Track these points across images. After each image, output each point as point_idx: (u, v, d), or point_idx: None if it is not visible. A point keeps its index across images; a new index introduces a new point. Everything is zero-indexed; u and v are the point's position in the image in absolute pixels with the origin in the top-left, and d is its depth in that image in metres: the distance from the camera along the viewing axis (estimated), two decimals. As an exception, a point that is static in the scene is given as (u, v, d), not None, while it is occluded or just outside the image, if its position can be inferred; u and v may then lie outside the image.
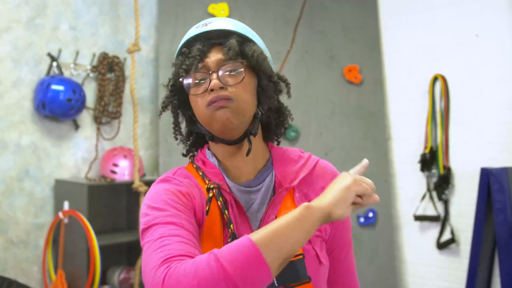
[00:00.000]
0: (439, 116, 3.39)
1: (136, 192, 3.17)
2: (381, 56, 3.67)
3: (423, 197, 3.44)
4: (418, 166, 3.43)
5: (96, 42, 3.45)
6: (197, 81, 1.13)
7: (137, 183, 3.13)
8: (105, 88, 3.40)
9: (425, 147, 3.42)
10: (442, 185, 3.32)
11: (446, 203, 3.35)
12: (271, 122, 1.23)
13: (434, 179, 3.39)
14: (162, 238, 0.96)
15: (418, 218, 3.44)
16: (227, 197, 1.12)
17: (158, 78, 3.63)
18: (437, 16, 3.43)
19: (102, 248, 2.89)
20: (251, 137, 1.15)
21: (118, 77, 3.45)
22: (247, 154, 1.15)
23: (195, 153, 1.27)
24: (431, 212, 3.42)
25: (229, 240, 1.06)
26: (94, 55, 3.41)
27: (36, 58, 3.17)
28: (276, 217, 1.11)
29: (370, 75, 3.62)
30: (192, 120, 1.22)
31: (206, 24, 1.16)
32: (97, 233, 2.89)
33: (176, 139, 1.28)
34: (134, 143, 3.20)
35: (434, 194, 3.39)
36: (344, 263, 1.25)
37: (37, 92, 3.08)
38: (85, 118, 3.40)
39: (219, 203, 1.09)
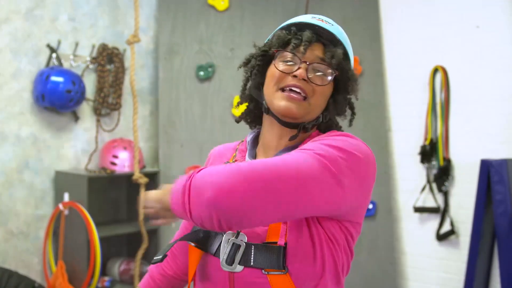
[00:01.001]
0: (439, 107, 3.38)
1: (136, 183, 3.17)
2: (381, 47, 3.66)
3: (423, 188, 3.44)
4: (418, 157, 3.43)
5: (95, 33, 3.44)
6: (287, 60, 1.15)
7: (137, 175, 3.13)
8: (105, 80, 3.39)
9: (425, 139, 3.41)
10: (442, 176, 3.32)
11: (446, 194, 3.35)
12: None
13: (434, 171, 3.39)
14: None
15: (418, 209, 3.44)
16: None
17: (157, 69, 3.62)
18: (437, 7, 3.42)
19: (102, 240, 2.89)
20: None
21: (118, 68, 3.44)
22: (291, 139, 1.17)
23: (248, 121, 1.32)
24: (431, 203, 3.42)
25: None
26: (93, 46, 3.40)
27: (35, 50, 3.16)
28: None
29: (370, 67, 3.61)
30: (258, 87, 1.23)
31: (323, 20, 1.19)
32: (97, 224, 2.89)
33: (241, 101, 1.30)
34: (134, 134, 3.19)
35: (434, 185, 3.40)
36: None
37: (37, 83, 3.07)
38: (85, 109, 3.39)
39: None
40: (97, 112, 3.38)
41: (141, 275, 3.23)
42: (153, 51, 3.74)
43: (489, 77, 3.19)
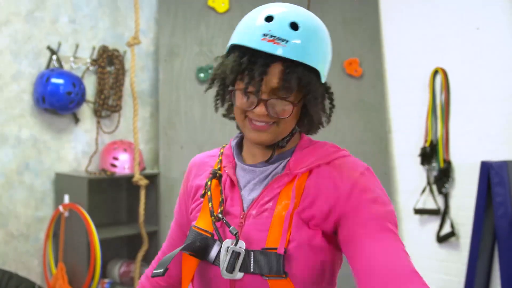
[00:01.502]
0: (440, 109, 3.38)
1: (136, 185, 3.17)
2: (381, 49, 3.66)
3: (423, 190, 3.44)
4: (418, 159, 3.43)
5: (95, 35, 3.44)
6: (245, 89, 1.07)
7: (137, 177, 3.13)
8: (105, 82, 3.39)
9: (425, 140, 3.41)
10: (442, 178, 3.32)
11: (446, 196, 3.35)
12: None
13: (434, 173, 3.39)
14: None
15: (418, 211, 3.44)
16: (224, 176, 1.19)
17: (158, 71, 3.62)
18: (437, 9, 3.42)
19: (102, 242, 2.89)
20: None
21: (118, 70, 3.44)
22: (267, 161, 1.16)
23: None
24: (431, 205, 3.42)
25: (211, 217, 1.13)
26: (93, 48, 3.40)
27: (35, 51, 3.16)
28: (275, 207, 1.09)
29: (371, 68, 3.62)
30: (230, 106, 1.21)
31: (274, 40, 1.03)
32: (98, 226, 2.89)
33: (217, 109, 1.25)
34: (134, 136, 3.20)
35: (434, 187, 3.39)
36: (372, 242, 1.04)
37: (37, 85, 3.07)
38: (85, 111, 3.39)
39: (207, 184, 1.18)
40: (97, 114, 3.38)
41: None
42: (153, 53, 3.75)
43: (489, 78, 3.19)
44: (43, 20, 3.19)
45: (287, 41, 1.03)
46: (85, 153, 3.39)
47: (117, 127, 3.50)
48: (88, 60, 3.37)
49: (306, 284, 1.07)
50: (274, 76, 1.04)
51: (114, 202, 3.57)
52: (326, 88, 1.14)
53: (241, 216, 1.12)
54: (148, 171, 3.51)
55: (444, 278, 3.36)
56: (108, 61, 3.44)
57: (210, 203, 1.14)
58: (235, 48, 1.09)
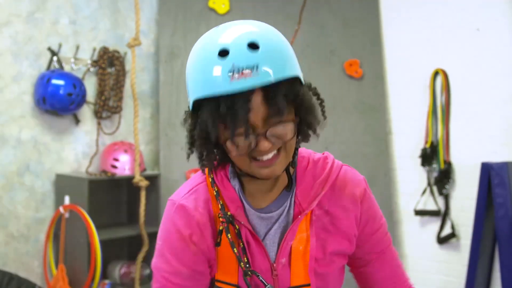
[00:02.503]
0: (440, 110, 3.38)
1: (137, 186, 3.17)
2: (381, 50, 3.66)
3: (424, 191, 3.44)
4: (419, 160, 3.43)
5: (96, 36, 3.44)
6: (233, 135, 0.95)
7: (137, 178, 3.13)
8: (106, 83, 3.39)
9: (426, 142, 3.41)
10: (442, 179, 3.32)
11: (446, 197, 3.35)
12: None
13: (435, 174, 3.39)
14: None
15: (419, 212, 3.44)
16: (242, 230, 1.08)
17: (158, 72, 3.63)
18: (437, 10, 3.42)
19: (102, 243, 2.89)
20: None
21: (119, 71, 3.44)
22: (287, 189, 1.11)
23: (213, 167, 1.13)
24: (431, 206, 3.42)
25: (244, 276, 1.06)
26: (94, 49, 3.41)
27: (36, 53, 3.16)
28: (291, 244, 1.09)
29: (371, 70, 3.62)
30: (224, 154, 1.06)
31: (243, 73, 0.91)
32: (98, 227, 2.89)
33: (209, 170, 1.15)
34: (135, 137, 3.19)
35: (435, 188, 3.39)
36: (380, 262, 1.23)
37: (38, 86, 3.07)
38: (86, 112, 3.39)
39: (228, 239, 1.06)
40: (97, 115, 3.38)
41: (142, 278, 3.22)
42: (153, 54, 3.75)
43: (489, 80, 3.19)
44: (43, 21, 3.20)
45: (256, 67, 0.91)
46: (86, 154, 3.39)
47: (117, 128, 3.50)
48: (89, 61, 3.37)
49: None
50: (259, 107, 0.94)
51: (115, 203, 3.57)
52: (309, 88, 1.05)
53: (273, 269, 1.09)
54: (149, 172, 3.51)
55: (445, 279, 3.35)
56: (109, 62, 3.44)
57: (241, 262, 1.06)
58: (201, 101, 0.97)
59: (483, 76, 3.22)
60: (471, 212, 3.10)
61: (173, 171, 3.43)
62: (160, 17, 3.61)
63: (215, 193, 1.10)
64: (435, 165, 3.39)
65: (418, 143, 3.47)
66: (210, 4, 3.57)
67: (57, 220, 3.09)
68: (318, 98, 1.07)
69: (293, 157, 1.07)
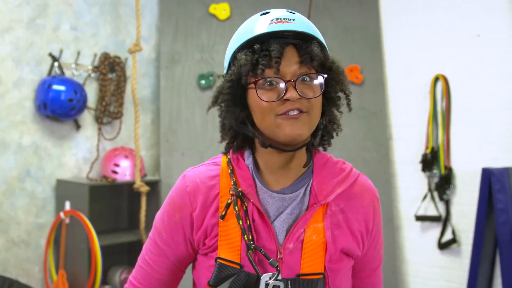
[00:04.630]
0: (441, 116, 3.39)
1: (137, 192, 3.17)
2: (382, 56, 3.67)
3: (424, 197, 3.44)
4: (419, 166, 3.43)
5: (97, 42, 3.45)
6: (267, 85, 1.03)
7: (138, 183, 3.13)
8: (106, 88, 3.40)
9: (426, 147, 3.41)
10: (443, 185, 3.32)
11: (447, 203, 3.35)
12: (322, 129, 1.15)
13: (435, 179, 3.39)
14: (141, 259, 1.20)
15: (419, 218, 3.43)
16: (250, 208, 1.09)
17: (159, 78, 3.63)
18: (438, 16, 3.43)
19: (103, 248, 2.89)
20: None
21: (119, 77, 3.45)
22: (305, 166, 1.12)
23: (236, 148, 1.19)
24: (432, 212, 3.42)
25: (247, 251, 1.06)
26: (95, 55, 3.41)
27: (37, 58, 3.17)
28: (304, 232, 1.09)
29: (371, 75, 3.62)
30: (243, 121, 1.11)
31: (281, 20, 1.03)
32: (98, 233, 2.89)
33: (224, 139, 1.20)
34: (135, 143, 3.20)
35: (435, 194, 3.39)
36: (370, 279, 1.27)
37: (39, 92, 3.08)
38: (86, 118, 3.40)
39: (235, 211, 1.07)
40: (98, 120, 3.39)
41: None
42: (154, 60, 3.76)
43: (490, 86, 3.20)
44: (44, 27, 3.21)
45: (293, 19, 1.04)
46: (86, 160, 3.39)
47: (118, 133, 3.50)
48: (90, 67, 3.38)
49: None
50: (291, 57, 1.03)
51: (115, 209, 3.57)
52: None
53: (279, 252, 1.08)
54: (149, 177, 3.51)
55: (446, 285, 3.35)
56: (110, 68, 3.45)
57: (244, 235, 1.06)
58: (236, 53, 1.07)
59: (484, 82, 3.22)
60: (472, 217, 3.10)
61: (174, 176, 3.43)
62: (161, 23, 3.62)
63: (229, 171, 1.14)
64: (435, 171, 3.39)
65: (418, 149, 3.47)
66: (211, 10, 3.58)
67: (58, 226, 3.09)
68: (347, 98, 1.18)
69: (317, 136, 1.12)
